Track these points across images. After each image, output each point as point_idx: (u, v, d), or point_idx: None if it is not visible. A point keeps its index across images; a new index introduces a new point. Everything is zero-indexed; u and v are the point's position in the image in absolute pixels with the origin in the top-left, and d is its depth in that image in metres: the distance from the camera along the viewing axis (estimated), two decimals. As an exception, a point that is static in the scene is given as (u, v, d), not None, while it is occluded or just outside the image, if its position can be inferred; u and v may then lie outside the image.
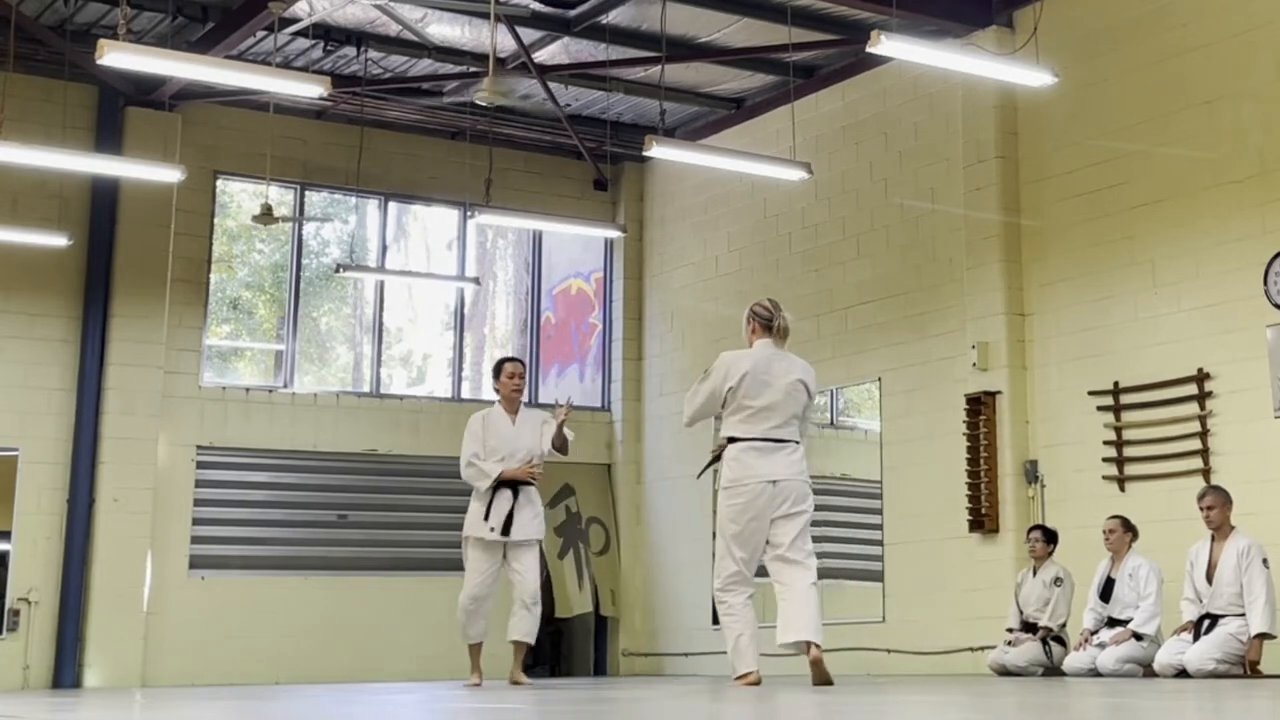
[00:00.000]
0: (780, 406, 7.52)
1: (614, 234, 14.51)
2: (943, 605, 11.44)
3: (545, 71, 12.81)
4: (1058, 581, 10.30)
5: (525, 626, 9.28)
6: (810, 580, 7.40)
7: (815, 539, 7.63)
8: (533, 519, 9.34)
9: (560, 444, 9.34)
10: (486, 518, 9.20)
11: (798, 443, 7.60)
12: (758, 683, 7.34)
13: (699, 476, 8.12)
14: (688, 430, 14.06)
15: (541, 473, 9.41)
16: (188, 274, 13.19)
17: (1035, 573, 10.49)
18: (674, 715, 4.88)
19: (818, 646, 7.25)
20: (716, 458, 7.68)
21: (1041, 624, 10.26)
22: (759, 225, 13.67)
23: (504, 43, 12.10)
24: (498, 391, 9.55)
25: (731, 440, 7.56)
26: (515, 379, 9.45)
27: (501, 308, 15.44)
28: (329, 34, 12.23)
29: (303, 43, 12.36)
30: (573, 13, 12.01)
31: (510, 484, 9.26)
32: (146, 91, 12.69)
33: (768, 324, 7.69)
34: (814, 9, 11.83)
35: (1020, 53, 10.75)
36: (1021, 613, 10.49)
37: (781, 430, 7.53)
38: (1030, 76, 10.10)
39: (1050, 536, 10.51)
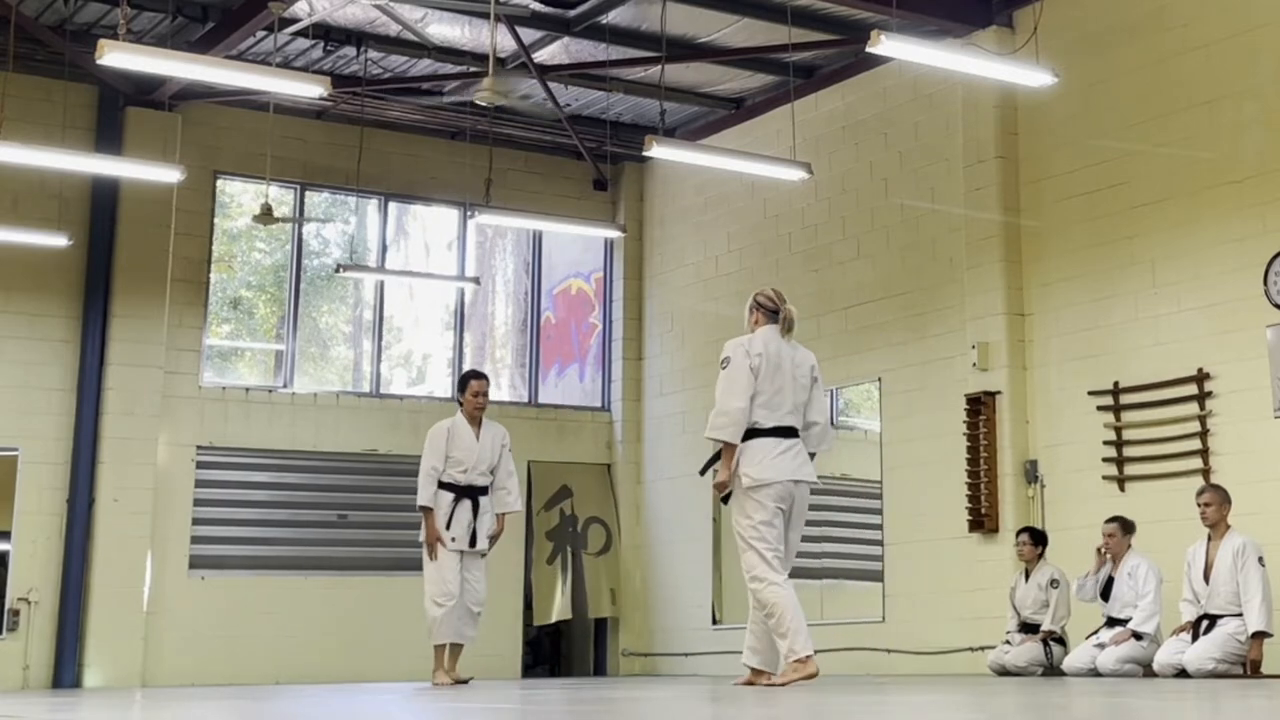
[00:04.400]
0: (789, 391, 7.28)
1: (614, 234, 14.51)
2: (943, 605, 11.44)
3: (545, 71, 12.81)
4: (1054, 584, 10.31)
5: (470, 632, 9.73)
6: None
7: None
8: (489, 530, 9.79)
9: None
10: (448, 526, 9.56)
11: (798, 435, 7.36)
12: (816, 674, 7.04)
13: (703, 473, 7.90)
14: (687, 430, 14.18)
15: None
16: (188, 274, 13.20)
17: (1028, 576, 10.49)
18: (674, 715, 4.88)
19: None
20: (717, 455, 7.38)
21: (1044, 627, 10.26)
22: (759, 225, 13.67)
23: (504, 43, 12.10)
24: (460, 405, 9.81)
25: (751, 433, 7.21)
26: (480, 397, 9.77)
27: (501, 308, 15.43)
28: (329, 34, 12.23)
29: (303, 43, 12.37)
30: (573, 13, 12.01)
31: (471, 495, 9.59)
32: (146, 91, 12.70)
33: (773, 313, 7.47)
34: (814, 9, 11.83)
35: (1020, 53, 10.75)
36: (1019, 615, 10.50)
37: (792, 418, 7.30)
38: (1030, 76, 10.10)
39: (1039, 538, 10.52)
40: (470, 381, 9.81)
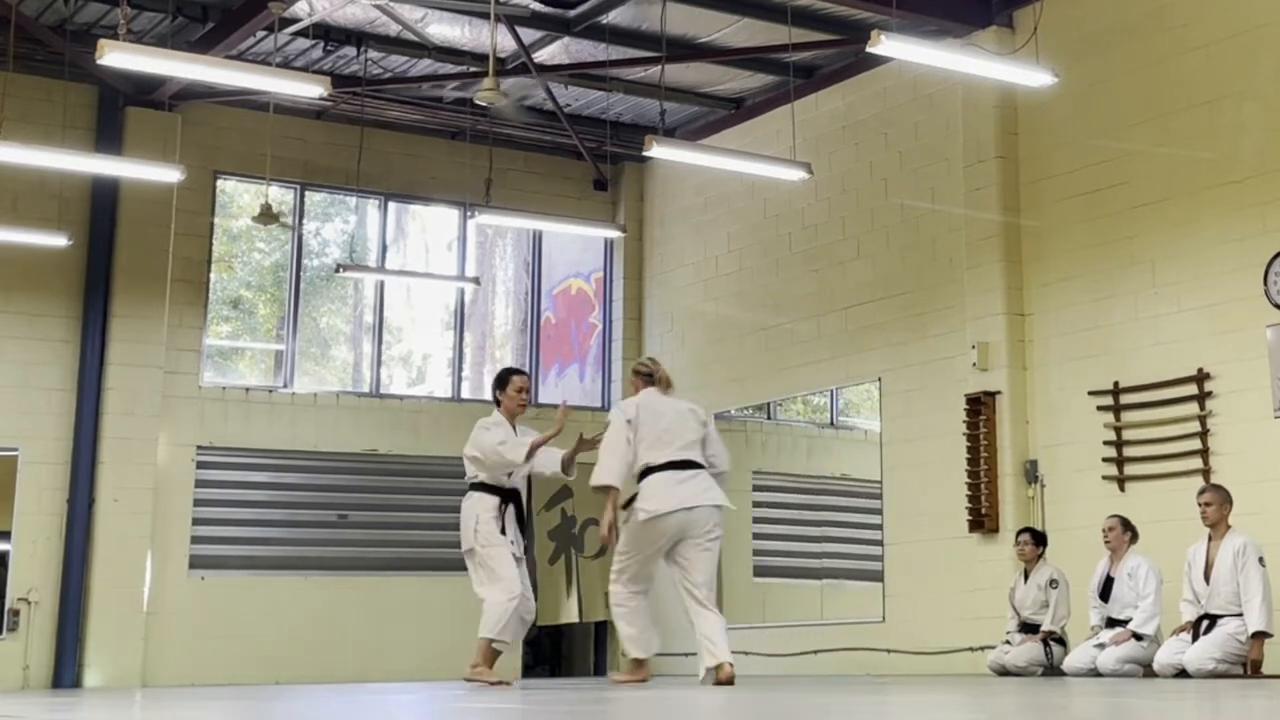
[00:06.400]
0: (677, 430, 7.89)
1: (614, 234, 14.51)
2: (943, 605, 11.44)
3: (545, 71, 12.81)
4: (1054, 584, 10.30)
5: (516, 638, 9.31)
6: (720, 622, 7.90)
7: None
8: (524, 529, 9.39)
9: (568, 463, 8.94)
10: (503, 531, 8.79)
11: (703, 467, 7.91)
12: (647, 679, 7.90)
13: (624, 508, 8.15)
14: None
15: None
16: (188, 274, 13.20)
17: (1027, 576, 10.49)
18: (674, 715, 4.88)
19: (731, 665, 7.72)
20: (633, 498, 7.91)
21: (1044, 627, 10.26)
22: (759, 225, 13.67)
23: (504, 43, 12.10)
24: (498, 403, 8.99)
25: (646, 471, 7.85)
26: (523, 394, 8.96)
27: (501, 308, 15.43)
28: (329, 34, 12.23)
29: (303, 43, 12.37)
30: (573, 13, 12.01)
31: (515, 499, 8.96)
32: (146, 91, 12.70)
33: (649, 377, 8.15)
34: (814, 9, 11.83)
35: (1020, 53, 10.75)
36: (1019, 615, 10.49)
37: (687, 452, 7.86)
38: (1030, 76, 10.10)
39: (1039, 539, 10.52)
40: (513, 377, 8.96)
